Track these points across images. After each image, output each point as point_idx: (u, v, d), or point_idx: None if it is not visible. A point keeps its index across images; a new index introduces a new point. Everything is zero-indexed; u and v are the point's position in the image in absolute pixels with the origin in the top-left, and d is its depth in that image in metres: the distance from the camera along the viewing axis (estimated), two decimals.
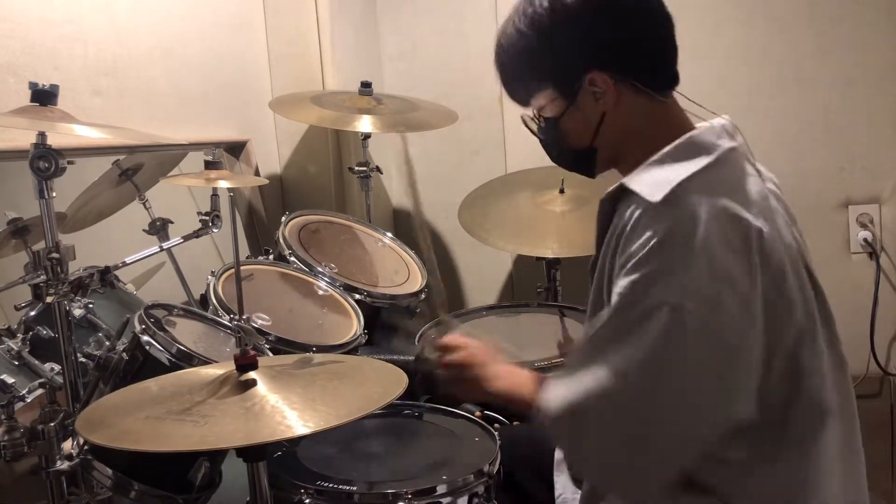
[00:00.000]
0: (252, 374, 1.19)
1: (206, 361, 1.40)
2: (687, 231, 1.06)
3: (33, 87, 1.34)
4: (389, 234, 2.35)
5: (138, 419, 1.12)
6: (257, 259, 2.05)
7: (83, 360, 1.46)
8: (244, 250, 2.43)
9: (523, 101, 1.27)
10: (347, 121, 2.27)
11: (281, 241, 2.05)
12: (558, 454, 1.42)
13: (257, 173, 2.48)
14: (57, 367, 1.55)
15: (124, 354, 1.41)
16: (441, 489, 1.34)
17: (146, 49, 2.12)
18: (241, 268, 1.75)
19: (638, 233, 1.09)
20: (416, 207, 1.64)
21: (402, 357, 1.64)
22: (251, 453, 1.18)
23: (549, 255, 2.34)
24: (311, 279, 2.00)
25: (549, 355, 1.84)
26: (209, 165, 1.71)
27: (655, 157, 1.15)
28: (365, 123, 2.26)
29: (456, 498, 1.35)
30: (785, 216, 1.19)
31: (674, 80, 1.22)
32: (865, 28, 2.36)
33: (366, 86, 2.37)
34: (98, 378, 1.40)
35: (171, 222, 2.00)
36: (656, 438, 1.09)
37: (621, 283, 1.09)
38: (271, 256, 2.05)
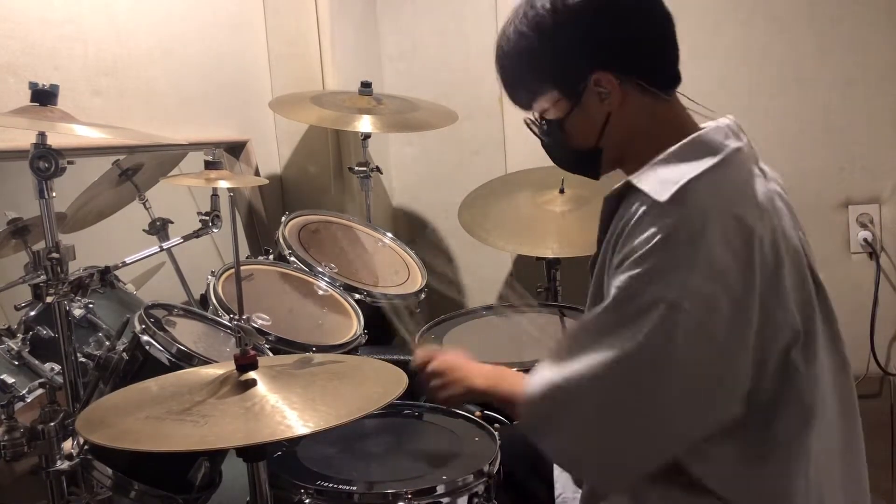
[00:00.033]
0: (252, 374, 1.19)
1: (206, 361, 1.40)
2: (691, 230, 1.06)
3: (33, 87, 1.34)
4: (389, 234, 2.35)
5: (138, 419, 1.12)
6: (257, 259, 2.05)
7: (83, 360, 1.46)
8: (244, 250, 2.43)
9: (526, 103, 1.26)
10: (347, 121, 2.27)
11: (281, 241, 2.05)
12: None
13: (257, 173, 2.48)
14: (57, 367, 1.55)
15: (124, 354, 1.41)
16: (441, 489, 1.34)
17: (146, 49, 2.11)
18: (241, 268, 1.75)
19: (641, 229, 1.09)
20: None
21: (402, 357, 1.64)
22: (251, 453, 1.18)
23: (549, 255, 2.34)
24: (311, 279, 2.00)
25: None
26: (209, 165, 1.71)
27: (662, 156, 1.15)
28: (365, 123, 2.26)
29: (456, 498, 1.34)
30: (790, 216, 1.19)
31: (676, 79, 1.21)
32: (865, 28, 2.36)
33: (366, 86, 2.37)
34: (98, 378, 1.40)
35: (171, 222, 2.00)
36: (635, 431, 1.10)
37: (621, 278, 1.09)
38: (271, 256, 2.05)
